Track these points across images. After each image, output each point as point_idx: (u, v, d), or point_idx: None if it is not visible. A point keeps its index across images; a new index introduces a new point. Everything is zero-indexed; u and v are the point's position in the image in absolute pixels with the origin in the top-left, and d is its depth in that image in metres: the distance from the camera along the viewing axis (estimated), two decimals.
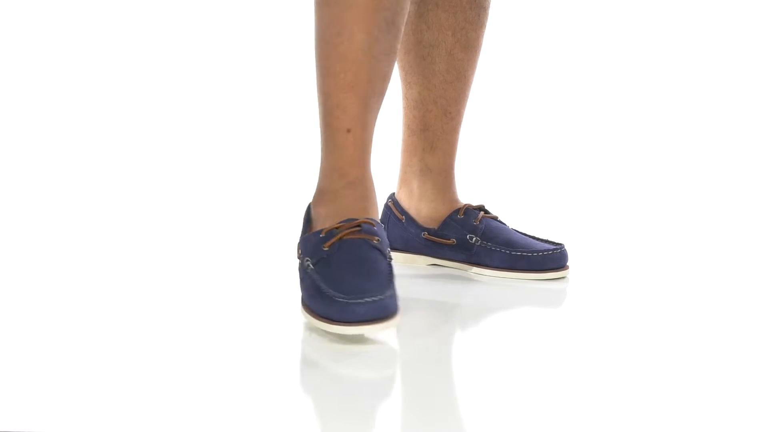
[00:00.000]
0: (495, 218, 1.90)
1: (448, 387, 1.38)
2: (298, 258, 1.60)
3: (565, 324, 1.64)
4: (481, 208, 1.91)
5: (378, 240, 1.55)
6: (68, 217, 2.33)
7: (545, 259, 1.84)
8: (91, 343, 1.51)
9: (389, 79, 1.64)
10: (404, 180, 1.94)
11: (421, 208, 1.92)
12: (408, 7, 1.64)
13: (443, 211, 1.91)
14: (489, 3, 1.89)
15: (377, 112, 1.63)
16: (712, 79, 3.26)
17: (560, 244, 1.86)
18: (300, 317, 1.62)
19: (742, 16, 3.32)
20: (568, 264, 1.86)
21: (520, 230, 1.91)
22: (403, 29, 1.63)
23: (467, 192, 2.18)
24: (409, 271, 1.87)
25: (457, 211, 1.90)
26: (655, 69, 3.30)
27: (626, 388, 1.35)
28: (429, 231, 1.91)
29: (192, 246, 2.08)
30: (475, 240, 1.87)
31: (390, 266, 1.54)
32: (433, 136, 1.90)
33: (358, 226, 1.56)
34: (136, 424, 1.23)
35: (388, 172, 2.05)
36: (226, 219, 2.34)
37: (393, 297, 1.47)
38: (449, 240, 1.89)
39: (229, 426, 1.22)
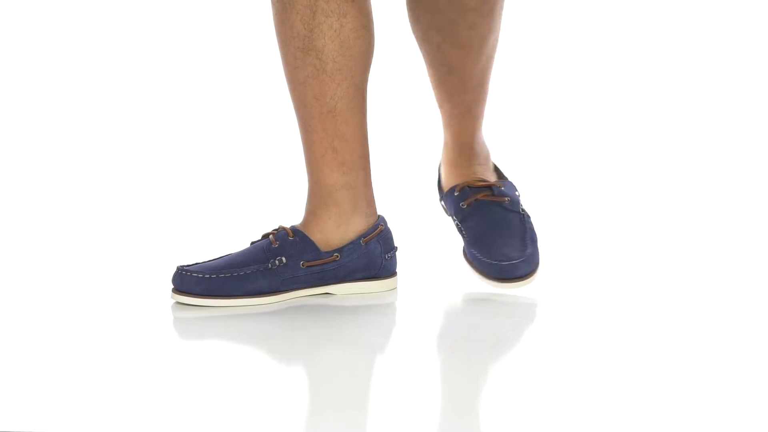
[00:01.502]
0: (501, 201, 1.81)
1: (448, 386, 1.38)
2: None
3: (564, 324, 1.64)
4: (485, 187, 1.82)
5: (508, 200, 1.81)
6: (67, 218, 2.33)
7: (502, 268, 1.75)
8: (91, 344, 1.51)
9: (332, 96, 1.70)
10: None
11: (442, 177, 1.91)
12: (332, 27, 1.68)
13: (451, 184, 1.88)
14: (485, 6, 1.79)
15: (324, 127, 1.71)
16: (707, 77, 3.26)
17: (529, 254, 1.76)
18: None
19: (742, 16, 3.31)
20: (528, 274, 1.76)
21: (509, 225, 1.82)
22: (337, 48, 1.69)
23: None
24: None
25: (456, 186, 1.85)
26: (650, 70, 3.30)
27: (618, 388, 1.35)
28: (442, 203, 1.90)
29: (190, 245, 2.08)
30: (456, 224, 1.84)
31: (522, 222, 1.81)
32: (445, 114, 1.88)
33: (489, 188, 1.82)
34: (135, 424, 1.23)
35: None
36: (225, 218, 2.34)
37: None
38: (449, 215, 1.88)
39: (227, 425, 1.23)
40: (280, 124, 3.06)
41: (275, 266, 1.69)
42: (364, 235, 1.73)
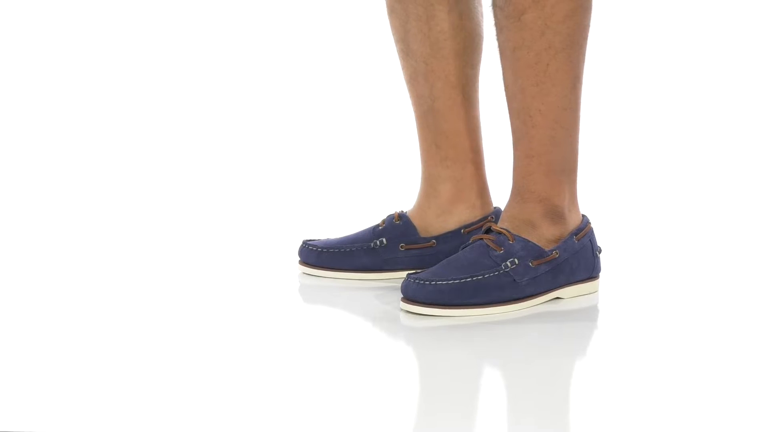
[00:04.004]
0: (495, 249, 1.66)
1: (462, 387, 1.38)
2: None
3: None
4: (497, 233, 1.69)
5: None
6: (67, 218, 2.33)
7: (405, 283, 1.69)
8: (91, 343, 1.51)
9: (429, 96, 1.77)
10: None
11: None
12: (421, 30, 1.75)
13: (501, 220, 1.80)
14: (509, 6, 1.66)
15: (427, 124, 1.79)
16: (711, 78, 3.26)
17: (432, 284, 1.63)
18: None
19: (742, 16, 3.32)
20: (412, 299, 1.64)
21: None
22: (427, 50, 1.75)
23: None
24: None
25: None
26: (646, 70, 3.30)
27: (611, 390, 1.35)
28: None
29: (191, 246, 2.08)
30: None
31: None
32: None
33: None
34: (136, 424, 1.23)
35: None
36: (226, 218, 2.34)
37: None
38: None
39: (230, 426, 1.23)
40: (279, 124, 3.06)
41: (377, 246, 1.79)
42: (465, 226, 1.79)
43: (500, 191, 1.90)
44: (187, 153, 2.91)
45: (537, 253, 1.65)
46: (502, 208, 1.80)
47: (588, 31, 1.67)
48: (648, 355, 1.48)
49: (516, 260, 1.64)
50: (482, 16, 1.81)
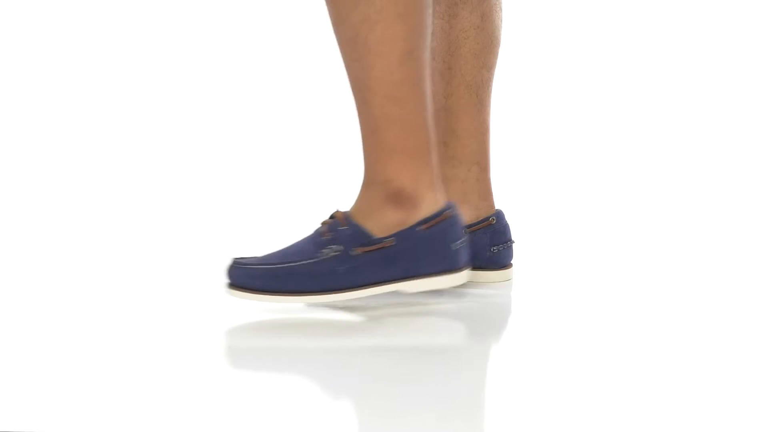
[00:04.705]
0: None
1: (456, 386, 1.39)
2: None
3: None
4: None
5: None
6: (68, 218, 2.33)
7: None
8: (91, 343, 1.52)
9: (443, 93, 1.78)
10: None
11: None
12: (442, 28, 1.77)
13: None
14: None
15: (438, 122, 1.78)
16: (687, 80, 3.26)
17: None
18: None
19: (742, 16, 3.32)
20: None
21: None
22: (446, 48, 1.78)
23: None
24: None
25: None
26: (631, 70, 3.30)
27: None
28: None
29: (192, 246, 2.08)
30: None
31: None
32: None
33: None
34: (136, 424, 1.24)
35: None
36: (226, 219, 2.34)
37: None
38: None
39: (230, 426, 1.23)
40: (278, 124, 3.06)
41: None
42: (467, 226, 1.77)
43: (502, 193, 1.91)
44: (161, 160, 2.91)
45: (363, 240, 1.57)
46: (503, 211, 1.82)
47: (419, 3, 1.54)
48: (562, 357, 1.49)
49: (338, 247, 1.56)
50: (501, 21, 1.82)
